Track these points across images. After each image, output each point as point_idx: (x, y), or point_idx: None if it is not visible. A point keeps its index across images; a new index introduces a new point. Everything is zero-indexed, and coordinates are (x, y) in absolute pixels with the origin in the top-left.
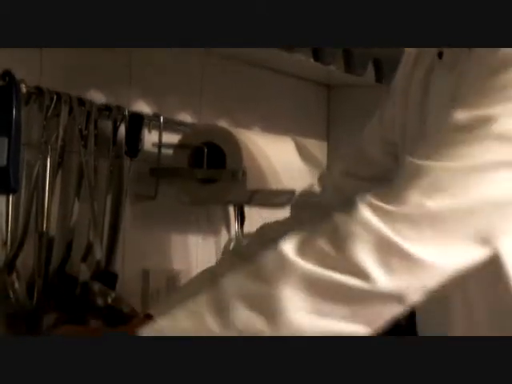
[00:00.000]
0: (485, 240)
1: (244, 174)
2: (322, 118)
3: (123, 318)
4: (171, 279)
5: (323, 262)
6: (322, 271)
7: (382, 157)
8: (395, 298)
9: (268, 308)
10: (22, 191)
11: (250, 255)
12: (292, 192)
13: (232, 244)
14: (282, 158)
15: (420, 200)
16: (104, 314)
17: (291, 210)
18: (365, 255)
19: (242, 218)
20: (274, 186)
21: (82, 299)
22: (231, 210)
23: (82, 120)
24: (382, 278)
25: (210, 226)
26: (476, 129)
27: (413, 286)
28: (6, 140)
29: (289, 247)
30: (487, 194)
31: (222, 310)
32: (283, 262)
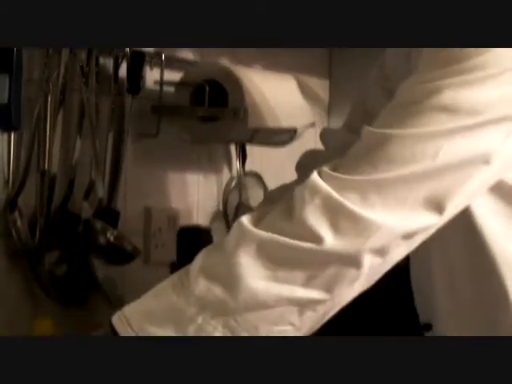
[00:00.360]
0: (435, 205)
1: (245, 111)
2: (324, 55)
3: (125, 256)
4: (172, 217)
5: (277, 229)
6: (275, 238)
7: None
8: (347, 259)
9: (226, 277)
10: (24, 129)
11: None
12: (294, 130)
13: (233, 182)
14: (283, 96)
15: (368, 168)
16: (106, 252)
17: (296, 171)
18: (314, 219)
19: (243, 157)
20: (276, 124)
21: (84, 237)
22: (233, 148)
23: (84, 57)
24: (332, 240)
25: (211, 165)
26: (424, 100)
27: (363, 248)
28: (6, 77)
29: (247, 218)
30: (435, 161)
31: (184, 285)
32: (240, 232)
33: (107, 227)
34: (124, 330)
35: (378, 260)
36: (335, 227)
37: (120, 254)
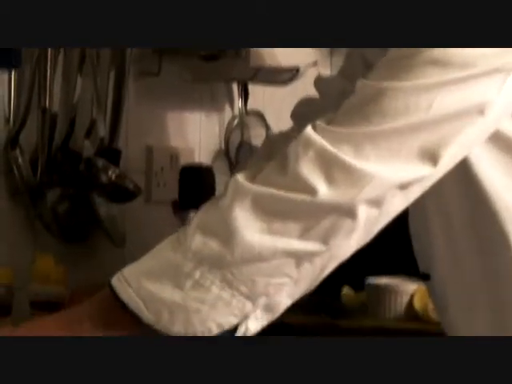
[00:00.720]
0: (430, 156)
1: (247, 50)
2: None
3: (127, 194)
4: (174, 156)
5: (271, 182)
6: (270, 191)
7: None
8: (342, 210)
9: (222, 231)
10: (24, 67)
11: None
12: (296, 69)
13: (235, 121)
14: None
15: (362, 120)
16: (107, 190)
17: (292, 119)
18: (309, 171)
19: (245, 95)
20: (278, 62)
21: (85, 175)
22: (235, 87)
23: None
24: (327, 191)
25: (213, 103)
26: (416, 54)
27: (358, 198)
28: None
29: (242, 175)
30: (428, 113)
31: (181, 242)
32: (235, 188)
33: (109, 165)
34: (123, 290)
35: (374, 211)
36: (329, 179)
37: (121, 192)
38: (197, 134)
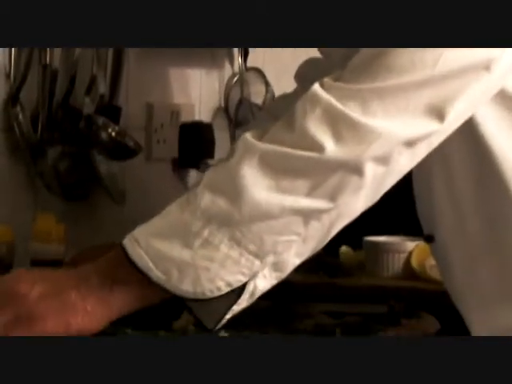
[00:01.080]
0: (436, 112)
1: None
2: None
3: (127, 152)
4: (175, 113)
5: (279, 140)
6: (277, 149)
7: None
8: (349, 167)
9: (231, 189)
10: None
11: None
12: None
13: (235, 78)
14: None
15: (369, 77)
16: (108, 148)
17: (295, 80)
18: (316, 128)
19: (245, 52)
20: None
21: (85, 132)
22: None
23: None
24: (334, 148)
25: (213, 60)
26: None
27: (365, 155)
28: None
29: (250, 133)
30: (435, 68)
31: (190, 202)
32: (243, 146)
33: (109, 123)
34: (133, 250)
35: (381, 169)
36: (336, 136)
37: (122, 150)
38: (197, 90)
